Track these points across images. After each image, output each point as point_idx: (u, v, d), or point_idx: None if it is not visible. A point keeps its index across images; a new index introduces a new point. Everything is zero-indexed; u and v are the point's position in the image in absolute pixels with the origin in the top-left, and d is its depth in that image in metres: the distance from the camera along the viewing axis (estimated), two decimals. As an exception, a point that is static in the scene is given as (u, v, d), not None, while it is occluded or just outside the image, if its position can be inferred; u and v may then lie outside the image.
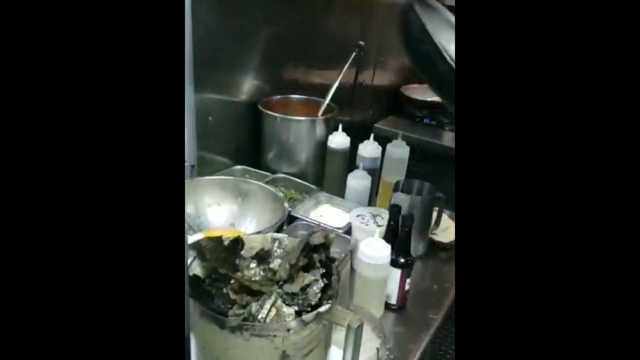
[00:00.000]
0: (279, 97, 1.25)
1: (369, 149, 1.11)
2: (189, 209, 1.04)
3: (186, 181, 1.04)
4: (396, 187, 1.00)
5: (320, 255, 0.60)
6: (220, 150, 1.18)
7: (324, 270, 0.59)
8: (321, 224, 0.98)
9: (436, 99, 1.65)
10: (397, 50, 1.80)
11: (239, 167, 1.19)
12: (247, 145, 1.23)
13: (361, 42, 1.28)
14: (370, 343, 0.78)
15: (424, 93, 1.73)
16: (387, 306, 0.89)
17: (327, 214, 1.08)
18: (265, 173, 1.17)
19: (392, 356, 0.79)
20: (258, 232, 0.86)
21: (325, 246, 0.60)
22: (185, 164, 1.10)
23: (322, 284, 0.57)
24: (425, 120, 1.73)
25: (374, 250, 0.83)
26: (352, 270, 0.92)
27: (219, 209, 1.06)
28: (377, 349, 0.76)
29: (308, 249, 0.60)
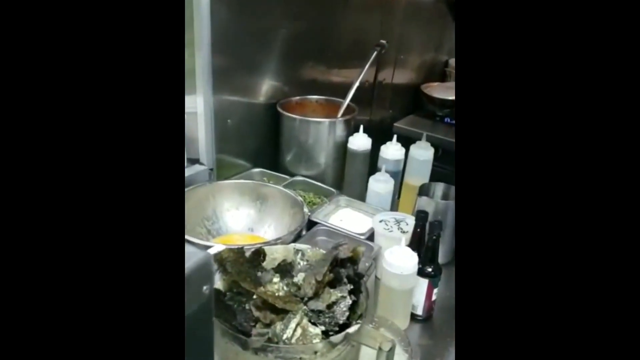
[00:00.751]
0: (297, 98, 1.22)
1: (391, 150, 1.08)
2: (208, 212, 1.01)
3: (204, 185, 1.02)
4: (421, 191, 0.96)
5: (348, 271, 0.57)
6: (238, 153, 1.16)
7: (351, 287, 0.56)
8: (341, 229, 0.95)
9: (458, 97, 1.60)
10: (418, 48, 1.77)
11: (257, 169, 1.17)
12: (265, 148, 1.20)
13: (382, 41, 1.24)
14: (396, 357, 0.74)
15: (444, 91, 1.68)
16: (413, 317, 0.85)
17: (347, 218, 1.05)
18: (284, 176, 1.14)
19: (419, 371, 0.76)
20: (278, 239, 0.83)
21: (353, 260, 0.57)
22: (204, 167, 1.08)
23: (350, 301, 0.54)
24: (445, 120, 1.68)
25: (400, 260, 0.79)
26: (376, 279, 0.89)
27: (238, 214, 1.04)
28: (404, 364, 0.73)
29: (335, 263, 0.57)
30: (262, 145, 1.19)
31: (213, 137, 1.07)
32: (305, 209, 0.96)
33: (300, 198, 0.99)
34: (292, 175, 1.15)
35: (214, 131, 1.07)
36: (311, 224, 0.98)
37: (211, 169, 1.09)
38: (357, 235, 0.94)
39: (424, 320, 0.85)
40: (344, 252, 0.57)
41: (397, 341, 0.78)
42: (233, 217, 1.04)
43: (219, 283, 0.57)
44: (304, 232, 0.94)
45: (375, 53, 1.23)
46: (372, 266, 0.82)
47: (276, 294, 0.56)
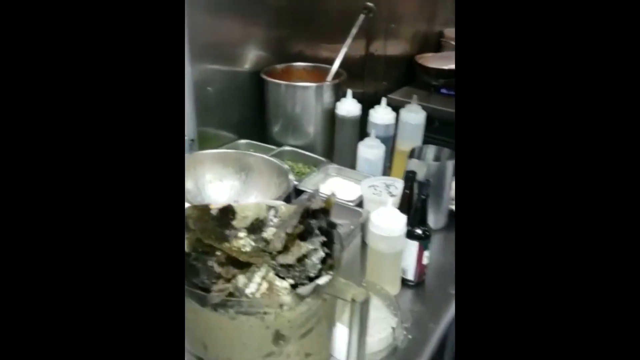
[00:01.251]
0: (283, 65, 1.17)
1: (380, 114, 1.02)
2: (188, 185, 0.97)
3: (186, 156, 0.98)
4: (412, 154, 0.91)
5: (320, 222, 0.52)
6: (222, 124, 1.11)
7: (324, 239, 0.51)
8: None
9: (453, 67, 1.54)
10: (409, 17, 1.70)
11: (243, 141, 1.12)
12: (251, 118, 1.15)
13: (369, 4, 1.18)
14: (385, 322, 0.70)
15: (440, 61, 1.62)
16: (404, 283, 0.80)
17: (337, 186, 1.00)
18: (271, 147, 1.09)
19: (410, 336, 0.71)
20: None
21: (325, 211, 0.52)
22: (185, 137, 1.03)
23: (323, 254, 0.50)
24: (441, 90, 1.62)
25: (387, 221, 0.74)
26: (364, 245, 0.84)
27: (221, 185, 0.99)
28: (393, 328, 0.68)
29: (306, 214, 0.52)
30: (247, 116, 1.14)
31: (193, 106, 1.03)
32: (291, 177, 0.92)
33: (286, 166, 0.94)
34: (279, 145, 1.10)
35: (194, 100, 1.02)
36: (299, 193, 0.94)
37: (192, 140, 1.04)
38: (346, 203, 0.89)
39: (416, 285, 0.81)
40: (316, 203, 0.52)
41: (386, 305, 0.73)
42: (216, 190, 0.99)
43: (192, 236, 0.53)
44: (291, 202, 0.90)
45: (362, 17, 1.18)
46: (356, 229, 0.77)
47: (242, 250, 0.51)
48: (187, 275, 0.48)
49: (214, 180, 1.00)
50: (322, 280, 0.45)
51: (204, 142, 1.07)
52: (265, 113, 1.13)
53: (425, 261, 0.79)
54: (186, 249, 0.52)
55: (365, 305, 0.44)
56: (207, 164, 0.99)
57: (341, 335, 0.53)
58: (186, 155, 0.98)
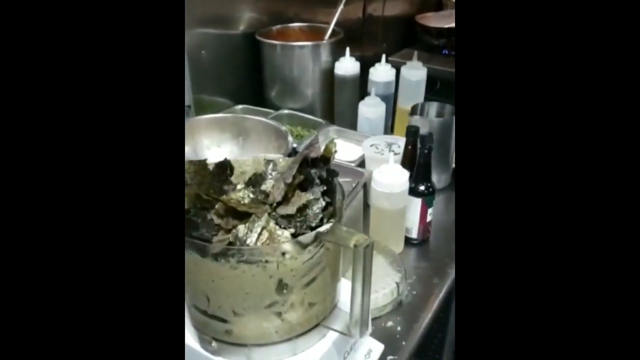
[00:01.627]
0: (278, 26, 1.13)
1: (380, 72, 1.00)
2: (187, 151, 0.95)
3: (181, 122, 0.96)
4: (413, 111, 0.88)
5: (320, 171, 0.50)
6: (218, 89, 1.09)
7: (324, 188, 0.49)
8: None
9: (454, 25, 1.50)
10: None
11: (240, 106, 1.10)
12: (247, 83, 1.12)
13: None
14: (389, 278, 0.69)
15: (441, 20, 1.58)
16: (407, 241, 0.80)
17: (338, 148, 0.98)
18: (269, 110, 1.07)
19: (414, 292, 0.71)
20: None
21: (325, 159, 0.50)
22: (180, 103, 1.01)
23: (324, 203, 0.48)
24: (443, 51, 1.58)
25: (389, 177, 0.73)
26: (366, 205, 0.83)
27: (219, 151, 0.97)
28: (397, 284, 0.67)
29: (305, 164, 0.50)
30: (243, 80, 1.12)
31: (187, 71, 1.00)
32: (290, 138, 0.90)
33: (284, 128, 0.92)
34: (278, 109, 1.08)
35: (188, 66, 1.00)
36: (298, 156, 0.92)
37: (188, 106, 1.02)
38: (347, 163, 0.87)
39: (420, 243, 0.80)
40: (315, 152, 0.50)
41: (390, 263, 0.73)
42: (215, 155, 0.97)
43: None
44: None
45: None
46: (358, 186, 0.76)
47: (241, 202, 0.50)
48: (187, 229, 0.47)
49: (212, 146, 0.98)
50: (324, 228, 0.44)
51: (200, 109, 1.05)
52: (262, 76, 1.10)
53: (429, 218, 0.77)
54: (185, 204, 0.51)
55: (368, 250, 0.43)
56: (204, 129, 0.97)
57: (346, 289, 0.52)
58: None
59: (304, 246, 0.44)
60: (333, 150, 0.50)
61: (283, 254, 0.43)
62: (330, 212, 0.47)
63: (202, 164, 0.54)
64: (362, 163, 0.89)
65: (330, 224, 0.45)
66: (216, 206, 0.49)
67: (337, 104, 1.06)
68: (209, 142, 0.98)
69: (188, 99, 1.03)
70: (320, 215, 0.48)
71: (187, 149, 0.97)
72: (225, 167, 0.57)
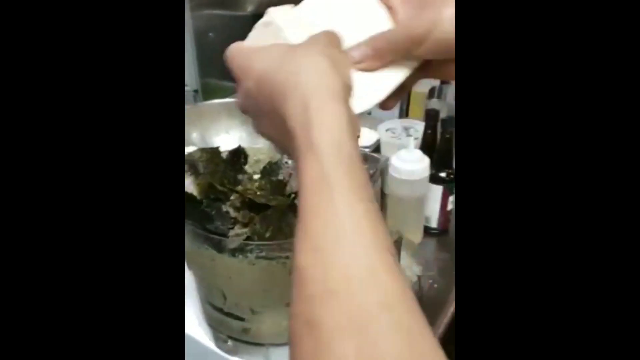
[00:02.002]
0: (289, 6, 1.09)
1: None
2: (194, 138, 0.92)
3: (189, 107, 0.92)
4: (431, 94, 0.85)
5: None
6: (226, 73, 1.04)
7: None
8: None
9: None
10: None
11: (248, 91, 1.06)
12: (256, 67, 1.08)
13: None
14: (409, 271, 0.66)
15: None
16: (427, 231, 0.76)
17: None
18: (279, 95, 1.03)
19: (435, 285, 0.68)
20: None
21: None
22: (187, 88, 0.98)
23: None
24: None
25: (408, 163, 0.69)
26: (383, 194, 0.80)
27: (228, 137, 0.94)
28: (418, 277, 0.64)
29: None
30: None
31: (194, 55, 0.96)
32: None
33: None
34: (287, 94, 1.04)
35: (195, 49, 0.96)
36: (310, 143, 0.89)
37: (195, 91, 0.99)
38: (361, 148, 0.84)
39: (440, 233, 0.76)
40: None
41: (410, 254, 0.69)
42: (224, 142, 0.94)
43: (191, 187, 0.48)
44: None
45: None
46: (375, 174, 0.72)
47: (257, 193, 0.47)
48: (201, 221, 0.44)
49: (220, 132, 0.94)
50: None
51: (207, 94, 1.02)
52: (272, 60, 1.06)
53: (450, 207, 0.74)
54: (197, 195, 0.48)
55: (395, 244, 0.40)
56: (212, 115, 0.93)
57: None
58: (190, 107, 0.93)
59: (327, 240, 0.40)
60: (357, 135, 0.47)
61: (305, 248, 0.40)
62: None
63: (215, 151, 0.51)
64: (377, 148, 0.86)
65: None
66: (231, 198, 0.46)
67: (350, 87, 1.02)
68: (217, 129, 0.94)
69: (195, 83, 0.99)
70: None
71: (194, 135, 0.93)
72: (239, 155, 0.54)
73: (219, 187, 0.47)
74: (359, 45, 0.33)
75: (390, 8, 0.34)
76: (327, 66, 0.28)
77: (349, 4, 0.35)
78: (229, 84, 1.06)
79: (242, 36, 1.20)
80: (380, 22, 0.34)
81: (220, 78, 1.04)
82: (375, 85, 0.33)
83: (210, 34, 0.98)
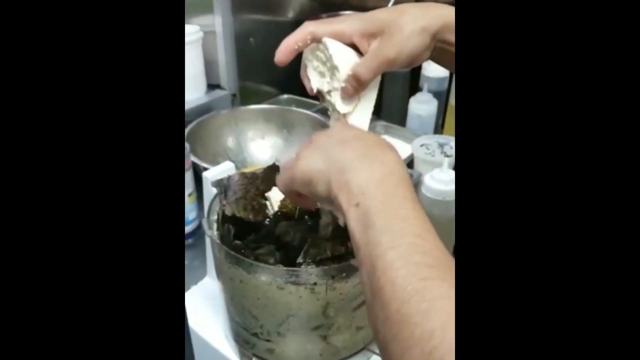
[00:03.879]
0: (328, 14, 1.09)
1: (434, 66, 0.94)
2: (230, 142, 0.94)
3: (226, 111, 0.94)
4: (469, 111, 0.83)
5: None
6: (264, 78, 1.06)
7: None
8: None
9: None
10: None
11: (285, 96, 1.07)
12: (294, 72, 1.09)
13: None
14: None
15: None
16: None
17: (385, 146, 0.94)
18: (314, 102, 1.04)
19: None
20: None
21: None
22: (225, 92, 1.00)
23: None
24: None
25: (441, 183, 0.68)
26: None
27: (263, 143, 0.96)
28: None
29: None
30: (290, 69, 1.08)
31: (235, 59, 0.98)
32: (336, 134, 0.87)
33: (331, 122, 0.89)
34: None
35: (235, 53, 0.97)
36: (344, 152, 0.89)
37: (234, 95, 1.00)
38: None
39: (470, 254, 0.75)
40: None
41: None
42: (258, 147, 0.96)
43: (227, 208, 0.48)
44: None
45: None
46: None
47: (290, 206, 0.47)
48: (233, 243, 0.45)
49: (256, 138, 0.96)
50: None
51: (245, 97, 1.03)
52: (309, 66, 1.06)
53: (482, 228, 0.73)
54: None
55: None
56: (249, 120, 0.95)
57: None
58: (228, 111, 0.95)
59: (355, 269, 0.41)
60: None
61: (333, 277, 0.40)
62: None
63: (254, 175, 0.51)
64: (410, 163, 0.85)
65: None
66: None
67: (386, 98, 1.02)
68: (252, 133, 0.96)
69: (234, 87, 1.01)
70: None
71: (230, 138, 0.95)
72: (275, 171, 0.54)
73: (243, 217, 0.46)
74: (348, 80, 0.43)
75: (353, 45, 0.43)
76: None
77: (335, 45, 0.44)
78: (268, 88, 1.07)
79: (280, 40, 1.20)
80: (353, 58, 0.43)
81: (259, 82, 1.05)
82: (364, 104, 0.45)
83: (251, 39, 0.99)
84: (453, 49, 0.42)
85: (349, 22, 0.43)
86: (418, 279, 0.25)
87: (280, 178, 0.39)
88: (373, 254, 0.28)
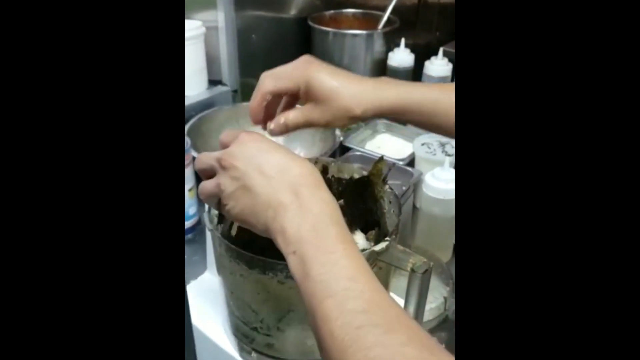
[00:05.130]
0: (331, 12, 1.09)
1: (436, 66, 0.94)
2: (231, 138, 0.94)
3: (228, 107, 0.94)
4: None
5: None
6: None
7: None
8: (377, 155, 0.85)
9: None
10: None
11: (286, 93, 1.07)
12: (295, 69, 1.09)
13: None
14: (436, 291, 0.65)
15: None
16: (456, 249, 0.75)
17: (386, 144, 0.94)
18: (316, 99, 1.04)
19: (462, 307, 0.67)
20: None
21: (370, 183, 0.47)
22: (226, 89, 0.99)
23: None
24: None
25: (442, 182, 0.69)
26: (415, 208, 0.79)
27: (264, 139, 0.95)
28: (445, 298, 0.64)
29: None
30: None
31: (236, 55, 0.98)
32: (337, 132, 0.87)
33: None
34: (325, 99, 1.04)
35: (237, 49, 0.97)
36: (344, 150, 0.89)
37: (235, 91, 1.00)
38: (396, 161, 0.83)
39: (470, 253, 0.75)
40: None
41: (438, 273, 0.69)
42: (259, 144, 0.96)
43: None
44: (336, 159, 0.85)
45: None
46: (409, 190, 0.72)
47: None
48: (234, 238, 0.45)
49: (257, 134, 0.96)
50: (379, 247, 0.41)
51: (246, 93, 1.03)
52: (312, 63, 1.06)
53: (482, 227, 0.73)
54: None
55: (425, 276, 0.40)
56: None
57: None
58: (229, 106, 0.95)
59: (356, 265, 0.41)
60: (383, 171, 0.47)
61: (334, 272, 0.40)
62: (386, 228, 0.44)
63: None
64: (411, 162, 0.85)
65: (386, 243, 0.41)
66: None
67: (388, 96, 1.02)
68: (253, 130, 0.96)
69: (235, 83, 1.00)
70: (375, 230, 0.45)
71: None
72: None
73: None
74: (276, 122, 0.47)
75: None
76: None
77: None
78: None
79: (284, 38, 1.21)
80: None
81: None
82: None
83: (253, 35, 0.98)
84: (403, 119, 0.47)
85: (297, 80, 0.46)
86: (354, 327, 0.27)
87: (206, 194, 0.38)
88: (312, 305, 0.29)
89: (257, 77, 1.12)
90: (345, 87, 0.44)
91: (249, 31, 0.98)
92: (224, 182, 0.35)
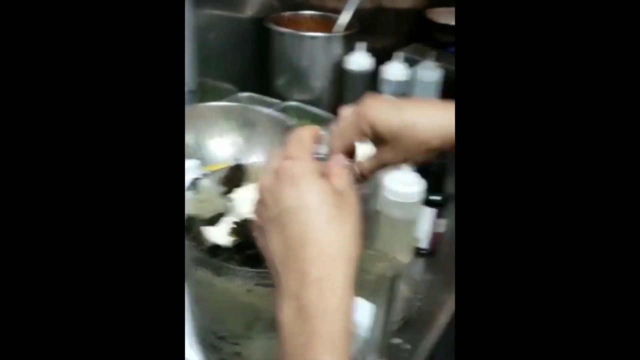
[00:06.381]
0: (289, 13, 1.08)
1: (394, 70, 0.96)
2: (188, 140, 0.91)
3: (185, 108, 0.91)
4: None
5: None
6: (223, 75, 1.04)
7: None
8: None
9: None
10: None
11: (244, 94, 1.05)
12: (253, 70, 1.08)
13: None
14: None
15: (451, 17, 1.53)
16: (416, 251, 0.77)
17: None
18: (275, 101, 1.02)
19: (422, 306, 0.68)
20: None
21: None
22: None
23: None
24: (449, 49, 1.54)
25: (402, 185, 0.70)
26: (375, 211, 0.80)
27: (222, 142, 0.93)
28: (407, 300, 0.65)
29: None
30: (250, 67, 1.07)
31: (194, 55, 0.95)
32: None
33: (292, 122, 0.88)
34: (284, 100, 1.04)
35: (194, 48, 0.95)
36: (304, 153, 0.89)
37: (192, 91, 0.97)
38: (356, 164, 0.84)
39: (429, 254, 0.77)
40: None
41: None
42: (217, 146, 0.93)
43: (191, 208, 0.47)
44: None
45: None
46: (369, 194, 0.73)
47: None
48: (197, 241, 0.43)
49: (215, 136, 0.94)
50: (349, 252, 0.41)
51: (203, 93, 1.01)
52: (269, 64, 1.05)
53: (442, 230, 0.75)
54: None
55: (396, 281, 0.40)
56: (208, 117, 0.92)
57: (363, 309, 0.49)
58: (186, 108, 0.92)
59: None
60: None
61: (304, 278, 0.40)
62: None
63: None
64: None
65: (356, 248, 0.41)
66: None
67: (347, 99, 1.03)
68: (212, 132, 0.93)
69: (192, 83, 0.98)
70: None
71: (188, 137, 0.92)
72: (240, 170, 0.53)
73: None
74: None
75: None
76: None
77: None
78: (227, 85, 1.05)
79: (241, 39, 1.19)
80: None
81: (218, 79, 1.03)
82: None
83: (210, 34, 0.96)
84: None
85: (363, 129, 0.43)
86: None
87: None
88: None
89: (214, 77, 1.09)
90: (413, 121, 0.40)
91: (206, 30, 0.96)
92: (261, 208, 0.35)
